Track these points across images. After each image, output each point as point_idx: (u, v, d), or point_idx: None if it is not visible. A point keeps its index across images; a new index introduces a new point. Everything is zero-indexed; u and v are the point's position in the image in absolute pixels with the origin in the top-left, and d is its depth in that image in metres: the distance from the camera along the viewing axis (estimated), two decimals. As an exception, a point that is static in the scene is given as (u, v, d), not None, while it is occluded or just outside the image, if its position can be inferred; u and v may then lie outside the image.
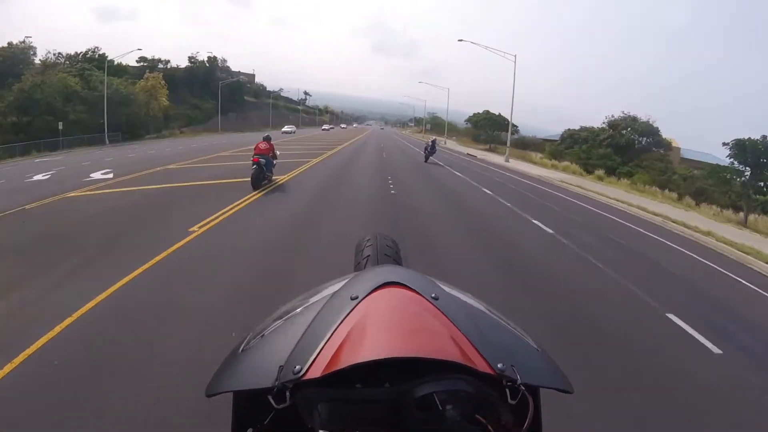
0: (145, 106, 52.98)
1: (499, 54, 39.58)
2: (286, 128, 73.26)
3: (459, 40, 42.98)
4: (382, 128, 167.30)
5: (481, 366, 0.68)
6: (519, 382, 0.68)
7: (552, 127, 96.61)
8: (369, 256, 1.44)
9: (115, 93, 45.87)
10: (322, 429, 0.67)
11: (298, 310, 0.82)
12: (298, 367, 0.67)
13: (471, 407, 0.68)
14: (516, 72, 39.02)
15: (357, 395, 0.68)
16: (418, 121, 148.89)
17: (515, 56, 39.61)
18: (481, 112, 64.18)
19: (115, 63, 59.73)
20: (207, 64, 78.89)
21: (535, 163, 42.47)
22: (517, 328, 0.83)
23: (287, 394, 0.66)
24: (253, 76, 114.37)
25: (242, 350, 0.78)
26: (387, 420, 0.68)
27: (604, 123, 49.27)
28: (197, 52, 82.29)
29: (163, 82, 57.22)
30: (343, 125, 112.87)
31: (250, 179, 13.73)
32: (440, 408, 0.66)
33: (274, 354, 0.72)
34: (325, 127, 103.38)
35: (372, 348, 0.67)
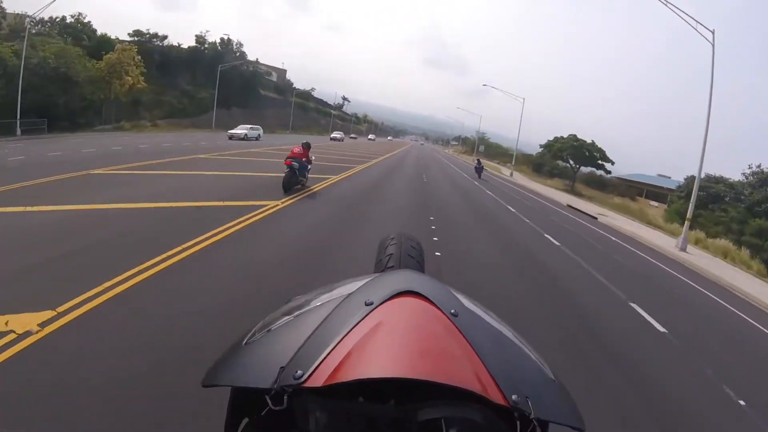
0: (105, 87, 38.98)
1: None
2: (334, 134, 71.64)
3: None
4: (422, 144, 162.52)
5: (495, 396, 0.65)
6: (532, 416, 0.65)
7: (630, 169, 78.98)
8: (392, 254, 1.42)
9: (41, 65, 31.44)
10: None
11: (309, 307, 0.80)
12: (299, 372, 0.65)
13: None
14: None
15: (359, 410, 0.66)
16: (463, 141, 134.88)
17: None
18: (566, 136, 47.52)
19: (98, 34, 47.29)
20: (219, 47, 64.89)
21: (656, 226, 25.88)
22: (536, 356, 0.80)
23: (285, 398, 0.64)
24: (284, 71, 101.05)
25: (246, 343, 0.76)
26: None
27: (745, 174, 33.70)
28: (206, 31, 68.30)
29: (137, 57, 42.62)
30: (371, 137, 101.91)
31: (282, 181, 13.36)
32: None
33: (277, 353, 0.70)
34: (371, 137, 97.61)
35: (381, 364, 0.64)
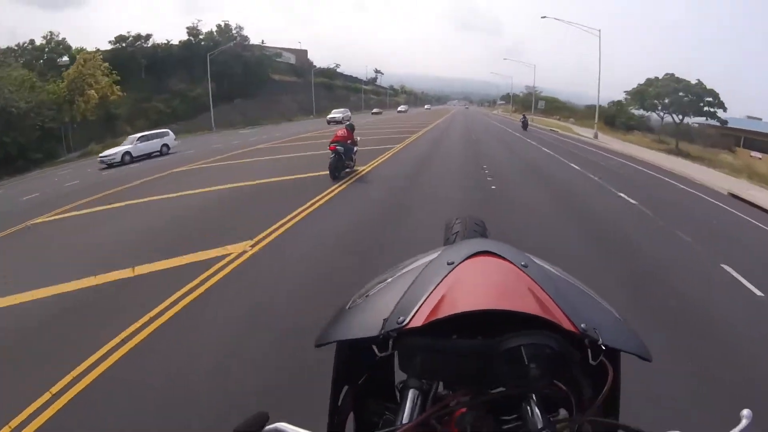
0: (68, 108, 31.55)
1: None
2: (401, 108, 77.91)
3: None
4: (467, 107, 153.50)
5: (566, 324, 0.74)
6: (600, 342, 0.74)
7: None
8: (458, 232, 1.57)
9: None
10: (419, 377, 0.79)
11: (399, 274, 0.91)
12: (402, 317, 0.76)
13: (553, 368, 0.73)
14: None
15: (453, 346, 0.74)
16: (513, 99, 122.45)
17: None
18: (659, 77, 34.91)
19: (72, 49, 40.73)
20: (217, 36, 56.48)
21: None
22: (602, 300, 0.89)
23: (390, 343, 0.76)
24: (303, 51, 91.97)
25: (349, 308, 0.88)
26: (478, 373, 0.74)
27: None
28: (198, 21, 59.41)
29: (103, 64, 34.86)
30: (401, 108, 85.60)
31: (328, 168, 12.74)
32: (526, 362, 0.71)
33: (378, 310, 0.81)
34: (401, 108, 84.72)
35: (468, 302, 0.75)
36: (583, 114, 60.87)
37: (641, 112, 42.92)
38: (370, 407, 0.91)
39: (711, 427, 2.58)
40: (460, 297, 0.77)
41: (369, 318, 0.80)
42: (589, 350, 0.76)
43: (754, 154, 37.66)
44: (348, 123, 13.84)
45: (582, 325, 0.75)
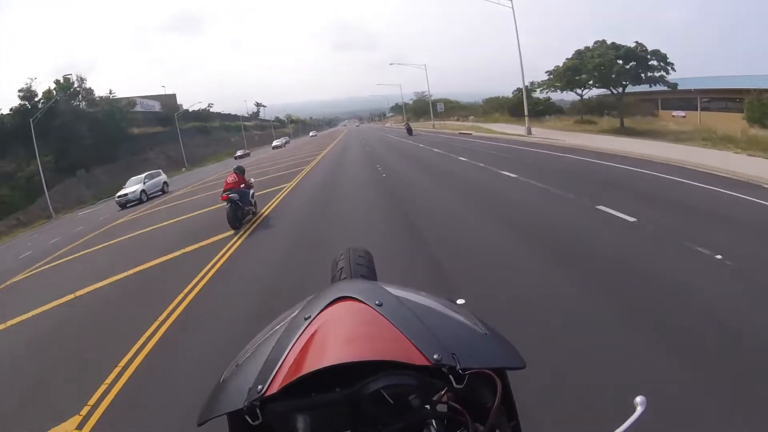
0: None
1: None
2: (276, 142, 71.70)
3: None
4: (358, 125, 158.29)
5: (418, 360, 0.76)
6: (458, 368, 0.76)
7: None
8: (343, 268, 1.58)
9: None
10: None
11: (266, 336, 0.92)
12: (260, 386, 0.77)
13: (425, 396, 0.77)
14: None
15: (313, 402, 0.76)
16: (401, 109, 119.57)
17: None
18: (588, 47, 29.03)
19: None
20: (57, 95, 45.91)
21: None
22: (467, 318, 0.92)
23: (257, 411, 0.76)
24: (172, 96, 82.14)
25: (222, 380, 0.89)
26: (354, 417, 0.76)
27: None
28: (32, 80, 47.43)
29: None
30: (276, 143, 72.81)
31: (227, 220, 11.35)
32: (391, 402, 0.74)
33: (245, 379, 0.82)
34: (276, 143, 72.58)
35: (318, 360, 0.76)
36: (484, 109, 57.03)
37: (556, 94, 38.38)
38: None
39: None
40: (314, 355, 0.79)
41: (236, 389, 0.82)
42: (451, 376, 0.77)
43: (675, 113, 35.71)
44: (236, 167, 12.71)
45: (435, 356, 0.76)
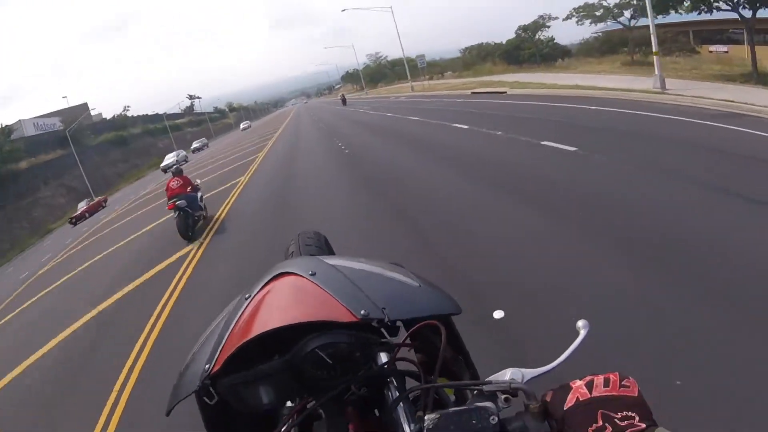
0: None
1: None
2: (197, 144, 58.77)
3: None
4: (305, 102, 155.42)
5: (346, 317, 0.81)
6: (387, 320, 0.81)
7: None
8: (293, 252, 1.66)
9: None
10: (253, 409, 0.81)
11: (215, 323, 0.98)
12: (207, 365, 0.82)
13: (365, 352, 0.80)
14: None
15: (255, 373, 0.79)
16: (349, 78, 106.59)
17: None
18: None
19: None
20: None
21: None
22: (400, 274, 0.99)
23: (211, 390, 0.81)
24: (81, 107, 67.43)
25: (182, 370, 0.93)
26: (299, 387, 0.80)
27: None
28: None
29: None
30: (197, 143, 59.46)
31: (178, 230, 9.96)
32: (330, 361, 0.77)
33: (198, 363, 0.86)
34: (196, 144, 59.10)
35: (253, 330, 0.81)
36: (465, 61, 44.93)
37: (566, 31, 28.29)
38: None
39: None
40: (249, 328, 0.83)
41: (192, 374, 0.86)
42: (383, 329, 0.84)
43: (714, 48, 27.08)
44: (174, 169, 11.24)
45: (362, 312, 0.81)
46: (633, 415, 0.59)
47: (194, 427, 1.09)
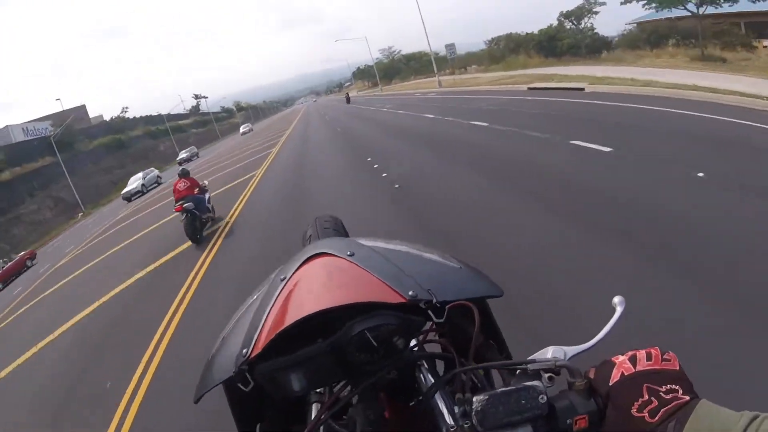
0: None
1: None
2: (183, 153, 50.80)
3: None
4: (315, 100, 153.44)
5: (394, 298, 0.78)
6: (435, 301, 0.78)
7: None
8: (311, 235, 1.61)
9: None
10: (289, 395, 0.76)
11: (247, 306, 0.94)
12: (245, 350, 0.77)
13: (408, 335, 0.77)
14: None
15: (297, 357, 0.74)
16: (360, 74, 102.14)
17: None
18: None
19: None
20: None
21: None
22: (438, 256, 0.96)
23: (247, 376, 0.77)
24: (78, 109, 64.26)
25: (211, 356, 0.89)
26: (342, 367, 0.76)
27: None
28: None
29: None
30: (184, 153, 51.52)
31: (185, 233, 9.73)
32: (375, 344, 0.74)
33: (231, 348, 0.82)
34: (183, 155, 50.80)
35: (296, 313, 0.77)
36: (491, 53, 40.06)
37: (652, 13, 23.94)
38: None
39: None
40: (292, 310, 0.79)
41: (225, 359, 0.82)
42: (429, 311, 0.79)
43: None
44: (180, 170, 10.95)
45: (410, 293, 0.78)
46: (677, 388, 0.60)
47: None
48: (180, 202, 9.60)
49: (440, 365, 0.87)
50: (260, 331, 0.79)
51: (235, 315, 0.96)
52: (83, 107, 66.65)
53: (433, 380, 0.80)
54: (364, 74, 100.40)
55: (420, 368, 0.83)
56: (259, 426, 0.91)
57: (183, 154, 50.43)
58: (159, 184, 34.25)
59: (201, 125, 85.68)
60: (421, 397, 0.80)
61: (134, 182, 33.31)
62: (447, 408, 0.72)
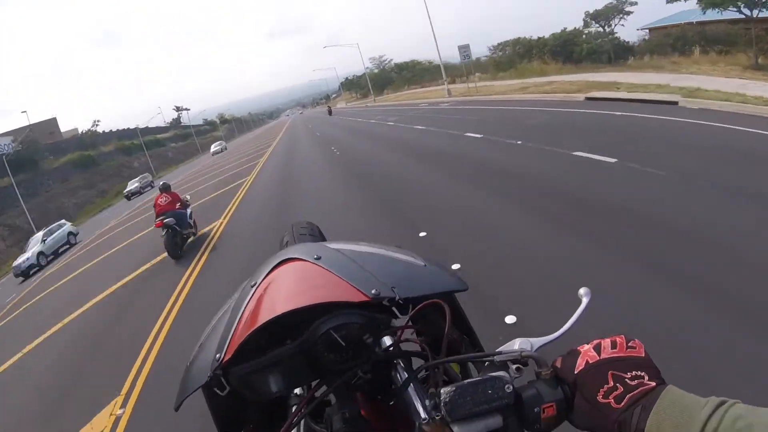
0: None
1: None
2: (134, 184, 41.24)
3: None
4: (301, 112, 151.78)
5: (357, 297, 0.79)
6: (397, 297, 0.80)
7: None
8: (288, 242, 1.64)
9: None
10: (265, 397, 0.79)
11: (221, 313, 0.95)
12: (218, 355, 0.79)
13: (376, 333, 0.78)
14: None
15: (269, 359, 0.76)
16: (349, 85, 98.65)
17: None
18: None
19: None
20: None
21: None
22: (403, 255, 0.98)
23: (222, 380, 0.78)
24: (49, 122, 60.38)
25: (189, 363, 0.90)
26: (315, 366, 0.78)
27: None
28: None
29: None
30: (134, 184, 41.44)
31: (165, 250, 9.53)
32: (343, 343, 0.76)
33: (207, 354, 0.84)
34: (133, 186, 41.62)
35: (264, 316, 0.79)
36: (496, 62, 36.43)
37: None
38: None
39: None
40: (259, 315, 0.80)
41: (201, 366, 0.83)
42: (394, 308, 0.82)
43: None
44: (161, 184, 10.54)
45: (373, 291, 0.80)
46: (642, 374, 0.61)
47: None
48: (161, 217, 9.39)
49: (418, 364, 0.84)
50: (232, 336, 0.80)
51: (211, 322, 0.96)
52: (53, 120, 62.04)
53: (405, 374, 0.80)
54: (352, 85, 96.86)
55: (396, 367, 0.83)
56: (243, 431, 0.92)
57: (133, 184, 41.65)
58: (70, 244, 24.52)
59: (181, 139, 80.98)
60: (391, 391, 0.82)
61: (32, 247, 22.35)
62: (420, 402, 0.72)
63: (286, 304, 0.78)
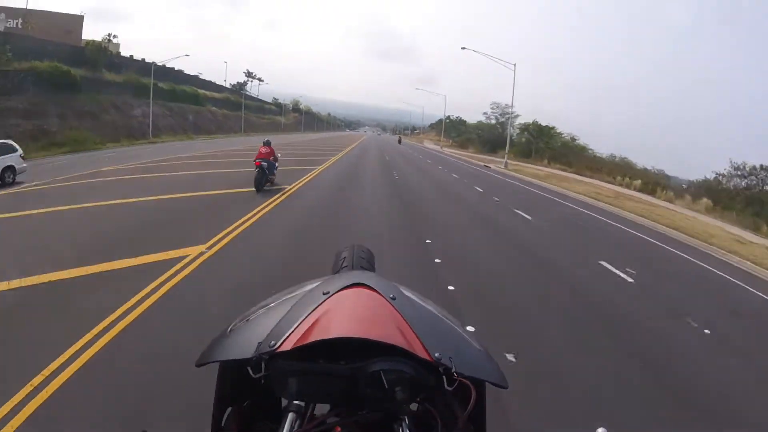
0: None
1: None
2: None
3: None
4: (379, 134, 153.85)
5: (421, 352, 0.80)
6: (454, 370, 0.80)
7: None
8: (345, 257, 1.54)
9: None
10: (290, 398, 0.82)
11: (279, 300, 0.95)
12: (273, 341, 0.79)
13: (413, 391, 0.79)
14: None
15: (319, 368, 0.79)
16: (435, 127, 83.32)
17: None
18: None
19: None
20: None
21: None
22: (464, 331, 0.96)
23: (263, 364, 0.79)
24: (77, 18, 47.66)
25: (229, 330, 0.91)
26: (344, 393, 0.80)
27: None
28: None
29: None
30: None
31: (253, 181, 13.91)
32: (386, 386, 0.77)
33: (255, 333, 0.84)
34: None
35: (333, 330, 0.79)
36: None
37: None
38: (255, 429, 0.92)
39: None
40: (329, 325, 0.80)
41: (245, 341, 0.83)
42: (444, 377, 0.81)
43: None
44: (265, 140, 15.38)
45: (436, 354, 0.80)
46: None
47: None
48: (259, 160, 14.10)
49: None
50: (293, 331, 0.80)
51: (264, 303, 0.97)
52: (79, 18, 47.58)
53: None
54: (448, 128, 80.00)
55: (402, 423, 0.82)
56: (230, 409, 0.92)
57: None
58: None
59: (229, 106, 65.23)
60: None
61: None
62: None
63: (357, 329, 0.79)
